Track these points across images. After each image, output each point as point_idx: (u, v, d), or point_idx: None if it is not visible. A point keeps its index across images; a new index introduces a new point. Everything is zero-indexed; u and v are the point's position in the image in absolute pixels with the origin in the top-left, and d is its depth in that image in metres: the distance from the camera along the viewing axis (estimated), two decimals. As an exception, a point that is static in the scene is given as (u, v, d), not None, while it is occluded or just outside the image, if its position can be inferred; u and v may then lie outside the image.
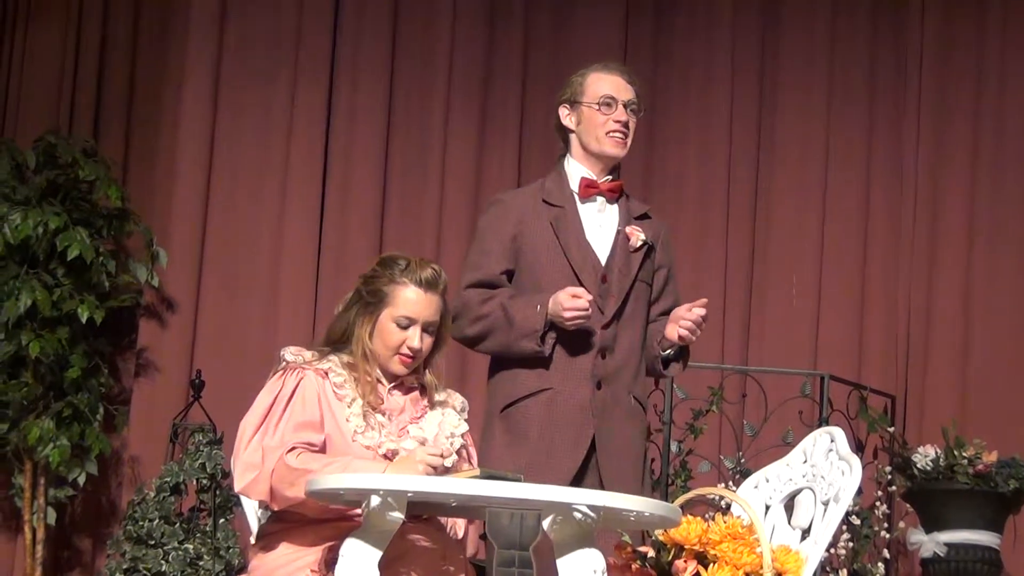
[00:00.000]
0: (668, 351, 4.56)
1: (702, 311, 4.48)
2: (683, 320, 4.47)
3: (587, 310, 4.37)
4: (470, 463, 4.29)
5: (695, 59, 7.86)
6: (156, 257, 7.21)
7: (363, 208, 7.61)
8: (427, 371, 4.24)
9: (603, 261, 4.53)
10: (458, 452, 4.21)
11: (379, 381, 4.18)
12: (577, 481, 4.40)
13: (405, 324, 4.15)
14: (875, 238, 7.71)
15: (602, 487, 4.39)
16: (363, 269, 7.64)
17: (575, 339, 4.45)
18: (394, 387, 4.21)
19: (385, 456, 4.07)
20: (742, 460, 6.85)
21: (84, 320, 6.87)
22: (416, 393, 4.24)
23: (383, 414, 4.14)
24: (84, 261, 6.90)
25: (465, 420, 4.28)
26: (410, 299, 4.15)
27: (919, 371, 7.59)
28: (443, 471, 4.07)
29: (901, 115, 7.79)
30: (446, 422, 4.22)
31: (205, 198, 7.51)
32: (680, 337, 4.49)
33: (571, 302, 4.36)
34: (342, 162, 7.64)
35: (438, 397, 4.25)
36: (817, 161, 7.76)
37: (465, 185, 7.70)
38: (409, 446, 4.08)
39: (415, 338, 4.15)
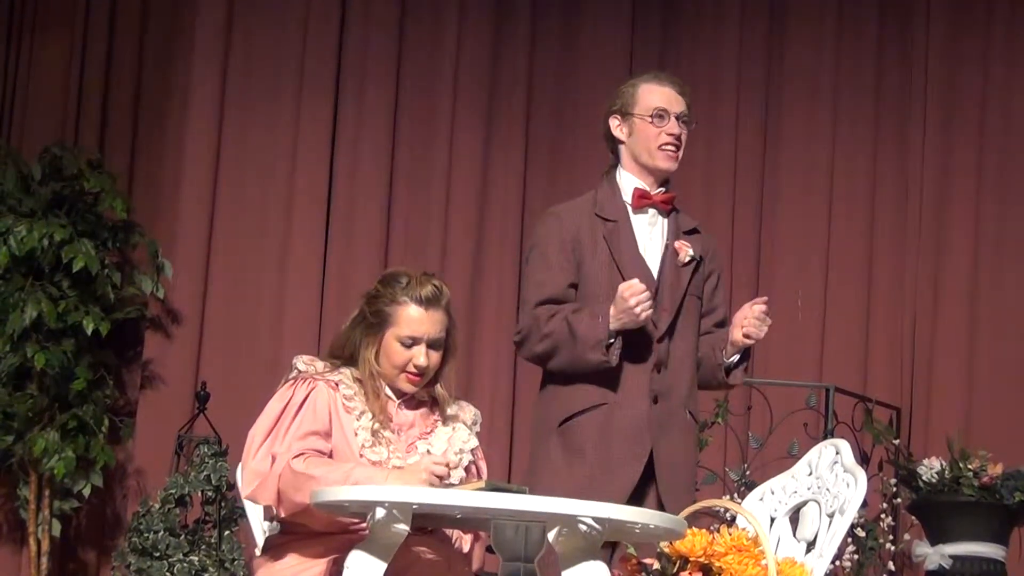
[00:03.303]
0: (732, 358, 4.52)
1: (763, 307, 4.45)
2: (747, 319, 4.44)
3: (647, 292, 4.31)
4: (479, 479, 4.28)
5: (701, 72, 7.85)
6: (161, 269, 7.22)
7: (368, 221, 7.61)
8: (438, 384, 4.23)
9: (655, 275, 4.49)
10: (466, 468, 4.20)
11: (388, 398, 4.18)
12: (636, 497, 4.38)
13: (409, 343, 4.14)
14: (880, 249, 7.71)
15: (660, 503, 4.38)
16: (368, 281, 7.65)
17: (631, 353, 4.41)
18: (403, 402, 4.21)
19: None
20: (747, 472, 6.85)
21: (89, 332, 6.87)
22: (426, 408, 4.24)
23: (392, 430, 4.14)
24: (89, 273, 6.90)
25: (476, 434, 4.27)
26: (412, 318, 4.14)
27: (924, 383, 7.58)
28: (449, 486, 4.07)
29: (907, 128, 7.79)
30: (456, 437, 4.21)
31: (210, 209, 7.51)
32: (746, 335, 4.44)
33: (630, 291, 4.29)
34: (347, 176, 7.65)
35: (449, 411, 4.24)
36: (822, 173, 7.76)
37: (470, 201, 7.70)
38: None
39: (420, 356, 4.14)
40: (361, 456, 4.06)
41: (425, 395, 4.23)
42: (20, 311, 6.81)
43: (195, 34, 7.59)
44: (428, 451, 4.13)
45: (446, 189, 7.69)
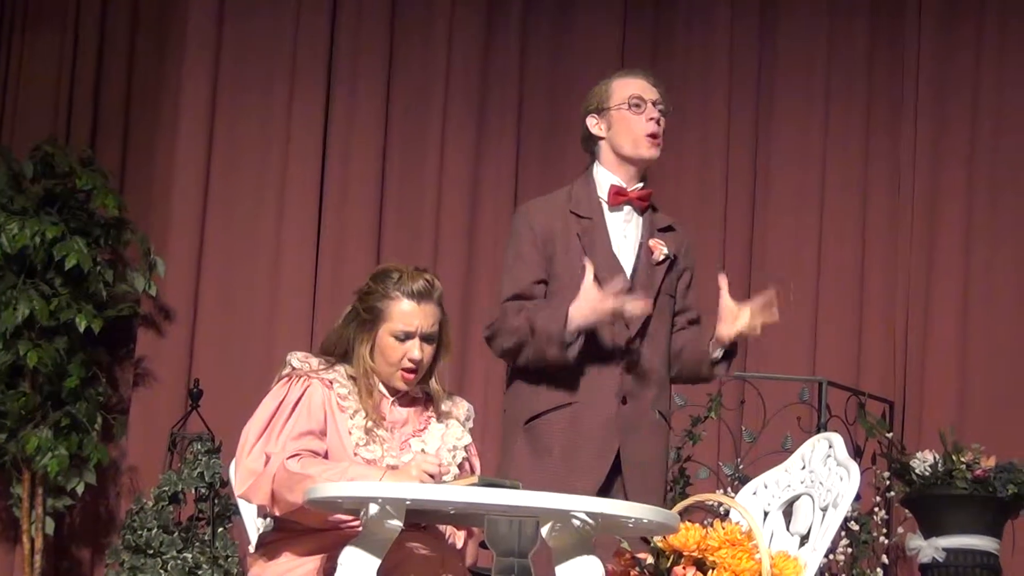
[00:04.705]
0: (717, 352, 4.52)
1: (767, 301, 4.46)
2: (744, 316, 4.45)
3: (620, 283, 4.30)
4: (473, 475, 4.29)
5: (693, 67, 7.86)
6: (154, 266, 7.21)
7: (360, 217, 7.61)
8: (432, 379, 4.23)
9: (628, 274, 4.48)
10: (459, 466, 4.21)
11: (382, 395, 4.18)
12: (603, 496, 4.38)
13: (403, 337, 4.14)
14: (873, 243, 7.72)
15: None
16: (361, 277, 7.67)
17: (600, 353, 4.40)
18: (397, 399, 4.21)
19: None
20: (740, 466, 6.85)
21: (82, 330, 6.87)
22: (420, 405, 4.24)
23: (385, 428, 4.14)
24: (82, 270, 6.90)
25: (469, 430, 4.28)
26: (405, 312, 4.14)
27: (917, 376, 7.59)
28: (441, 483, 4.07)
29: (898, 121, 7.79)
30: (449, 434, 4.21)
31: (203, 207, 7.51)
32: (740, 333, 4.45)
33: (598, 292, 4.27)
34: (340, 171, 7.65)
35: (443, 407, 4.24)
36: (815, 167, 7.77)
37: (462, 195, 7.70)
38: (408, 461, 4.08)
39: (414, 349, 4.14)
40: (356, 455, 4.06)
41: (419, 392, 4.24)
42: (12, 309, 6.81)
43: (186, 30, 7.58)
44: (423, 449, 4.13)
45: (438, 183, 7.69)
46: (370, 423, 4.10)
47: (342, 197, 7.63)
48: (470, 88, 7.78)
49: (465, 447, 4.24)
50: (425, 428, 4.21)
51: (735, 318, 4.46)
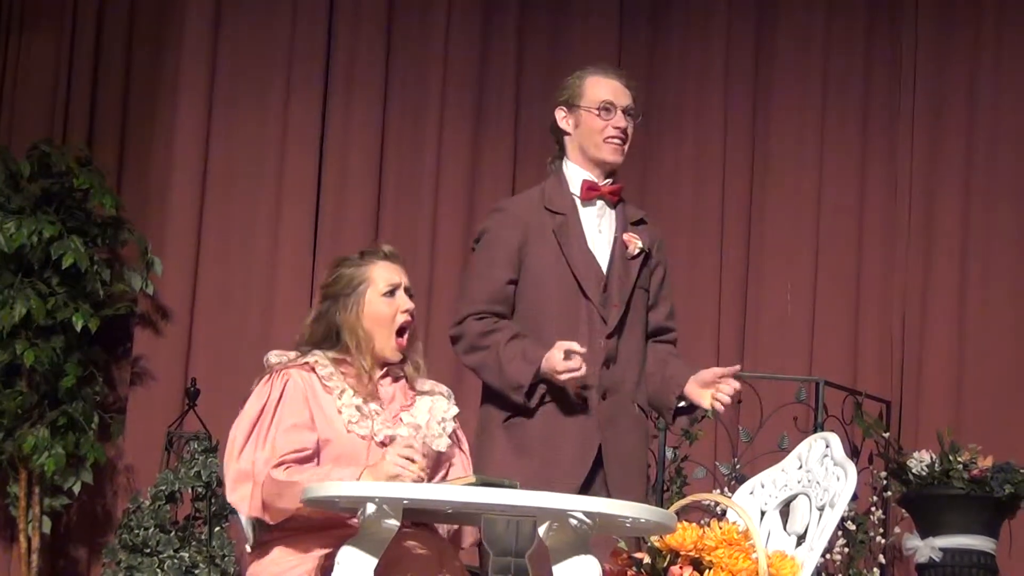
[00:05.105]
0: (682, 403, 4.53)
1: (735, 385, 4.50)
2: (721, 394, 4.47)
3: (580, 368, 4.30)
4: (460, 448, 4.33)
5: (690, 71, 7.86)
6: (151, 265, 7.21)
7: (357, 218, 7.61)
8: (410, 351, 4.27)
9: (604, 269, 4.49)
10: (450, 436, 4.26)
11: (368, 374, 4.20)
12: (585, 491, 4.36)
13: (390, 291, 4.22)
14: (870, 243, 7.72)
15: (608, 496, 4.37)
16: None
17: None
18: (383, 376, 4.23)
19: (382, 443, 4.09)
20: (737, 466, 6.86)
21: (79, 329, 6.86)
22: (403, 382, 4.28)
23: (376, 402, 4.17)
24: (79, 270, 6.90)
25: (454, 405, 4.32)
26: (384, 271, 4.24)
27: (914, 376, 7.59)
28: (433, 455, 4.10)
29: (896, 123, 7.79)
30: (436, 408, 4.26)
31: (200, 206, 7.50)
32: (714, 407, 4.50)
33: (564, 365, 4.28)
34: (337, 171, 7.64)
35: (424, 388, 4.27)
36: (812, 166, 7.76)
37: (459, 200, 7.69)
38: (404, 433, 4.10)
39: (406, 300, 4.23)
40: (349, 432, 4.09)
41: (400, 371, 4.27)
42: (9, 308, 6.80)
43: (183, 30, 7.57)
44: (415, 424, 4.15)
45: (435, 186, 7.68)
46: (359, 400, 4.13)
47: (339, 198, 7.62)
48: (467, 94, 7.76)
49: (453, 418, 4.28)
50: (412, 403, 4.25)
51: (714, 390, 4.48)
